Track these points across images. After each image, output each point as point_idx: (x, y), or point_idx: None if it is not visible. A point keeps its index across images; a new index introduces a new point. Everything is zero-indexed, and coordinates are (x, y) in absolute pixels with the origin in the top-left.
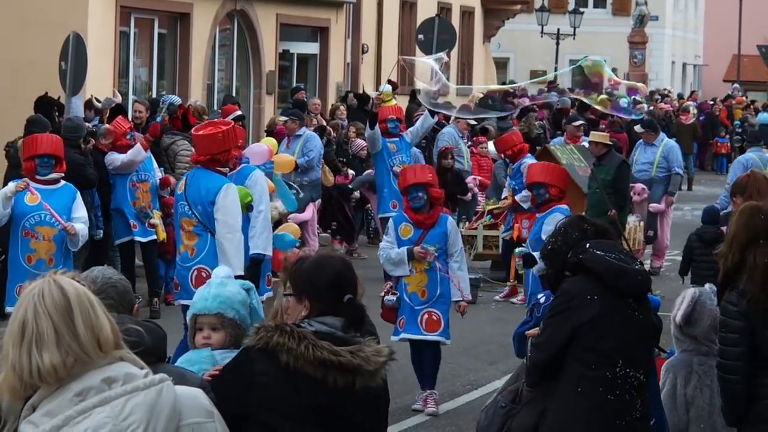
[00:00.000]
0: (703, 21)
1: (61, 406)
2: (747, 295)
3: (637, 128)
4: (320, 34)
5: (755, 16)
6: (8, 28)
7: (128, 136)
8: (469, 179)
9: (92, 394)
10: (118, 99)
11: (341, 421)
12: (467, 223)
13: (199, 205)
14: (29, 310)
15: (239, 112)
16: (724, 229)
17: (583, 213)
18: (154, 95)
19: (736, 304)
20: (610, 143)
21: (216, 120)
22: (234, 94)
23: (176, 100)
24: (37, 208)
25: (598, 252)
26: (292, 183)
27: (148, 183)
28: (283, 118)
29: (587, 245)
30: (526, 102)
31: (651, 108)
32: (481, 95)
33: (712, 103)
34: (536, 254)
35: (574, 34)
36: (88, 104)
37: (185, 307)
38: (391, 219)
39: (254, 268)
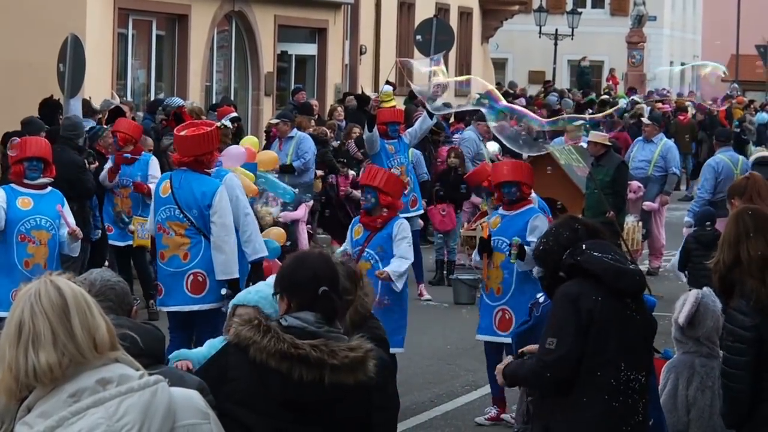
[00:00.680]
0: (701, 21)
1: (56, 407)
2: (753, 296)
3: (645, 120)
4: (318, 35)
5: (753, 16)
6: (6, 30)
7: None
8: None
9: (86, 395)
10: (117, 101)
11: (317, 417)
12: (465, 224)
13: (194, 208)
14: (26, 310)
15: (235, 114)
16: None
17: (581, 213)
18: (152, 97)
19: (747, 314)
20: (609, 144)
21: (197, 121)
22: (232, 96)
23: (178, 102)
24: (32, 212)
25: (595, 253)
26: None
27: (129, 189)
28: (275, 121)
29: (583, 246)
30: (523, 103)
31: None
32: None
33: (710, 103)
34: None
35: (573, 35)
36: (87, 106)
37: (172, 314)
38: (353, 219)
39: (259, 272)
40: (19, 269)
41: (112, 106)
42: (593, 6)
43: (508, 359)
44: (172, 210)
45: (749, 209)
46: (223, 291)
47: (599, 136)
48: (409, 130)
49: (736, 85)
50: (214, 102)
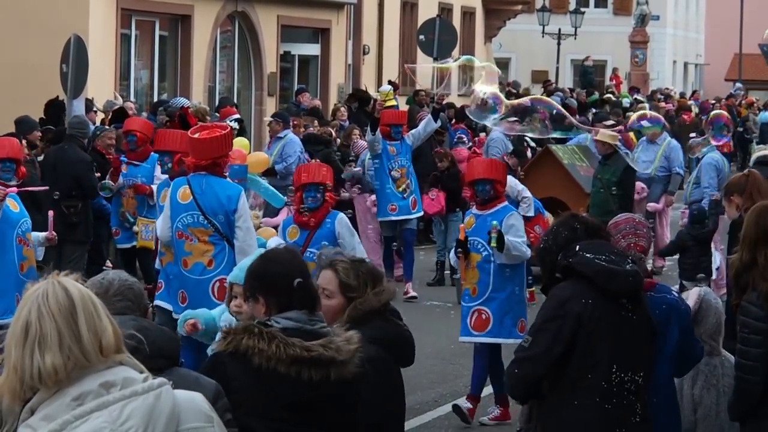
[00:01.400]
0: (704, 20)
1: (59, 411)
2: (763, 294)
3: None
4: (321, 35)
5: (756, 15)
6: (9, 31)
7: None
8: None
9: (90, 399)
10: (120, 101)
11: (321, 415)
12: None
13: (219, 214)
14: (33, 311)
15: (237, 115)
16: None
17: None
18: (155, 97)
19: (760, 306)
20: (618, 143)
21: (207, 124)
22: (235, 96)
23: (183, 102)
24: (24, 214)
25: (588, 254)
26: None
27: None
28: (268, 119)
29: (577, 247)
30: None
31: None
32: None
33: (713, 102)
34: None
35: (576, 34)
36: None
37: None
38: (282, 222)
39: None
40: (16, 273)
41: (116, 107)
42: (596, 5)
43: None
44: (195, 216)
45: None
46: None
47: (608, 136)
48: (413, 131)
49: (740, 85)
50: (217, 102)
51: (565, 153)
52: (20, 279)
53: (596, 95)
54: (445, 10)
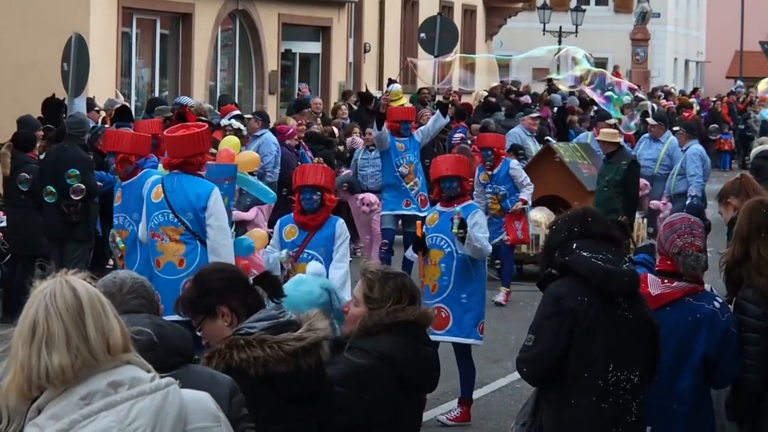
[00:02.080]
0: (705, 18)
1: (67, 410)
2: (759, 292)
3: (650, 120)
4: (322, 33)
5: (757, 13)
6: (10, 29)
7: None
8: None
9: (98, 398)
10: (121, 99)
11: (316, 401)
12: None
13: (189, 211)
14: (40, 310)
15: (237, 112)
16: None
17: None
18: (156, 96)
19: (756, 303)
20: (619, 141)
21: (188, 123)
22: (236, 94)
23: (188, 101)
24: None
25: (585, 253)
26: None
27: None
28: (248, 116)
29: (574, 245)
30: (528, 100)
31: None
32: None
33: (714, 99)
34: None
35: (577, 32)
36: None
37: None
38: (279, 220)
39: None
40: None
41: (117, 105)
42: (597, 3)
43: None
44: (165, 215)
45: (764, 205)
46: None
47: (610, 134)
48: (422, 128)
49: (741, 82)
50: (218, 100)
51: (566, 151)
52: (155, 275)
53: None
54: (446, 8)
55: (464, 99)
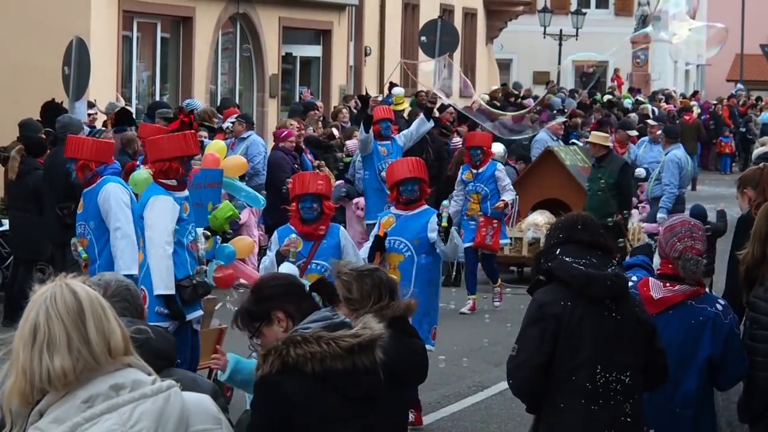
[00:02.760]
0: (705, 21)
1: (69, 413)
2: None
3: (650, 122)
4: (323, 36)
5: (758, 16)
6: (11, 33)
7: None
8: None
9: (100, 401)
10: (122, 103)
11: (372, 401)
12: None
13: (141, 217)
14: (41, 313)
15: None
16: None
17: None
18: (157, 99)
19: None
20: (610, 145)
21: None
22: (237, 98)
23: (197, 104)
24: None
25: (567, 258)
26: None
27: None
28: (232, 120)
29: (557, 251)
30: (532, 104)
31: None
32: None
33: (714, 103)
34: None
35: (577, 35)
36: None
37: None
38: (275, 231)
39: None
40: None
41: (118, 109)
42: (597, 6)
43: None
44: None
45: None
46: (157, 309)
47: (600, 137)
48: (404, 132)
49: (741, 85)
50: (219, 104)
51: (567, 154)
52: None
53: (599, 96)
54: (447, 12)
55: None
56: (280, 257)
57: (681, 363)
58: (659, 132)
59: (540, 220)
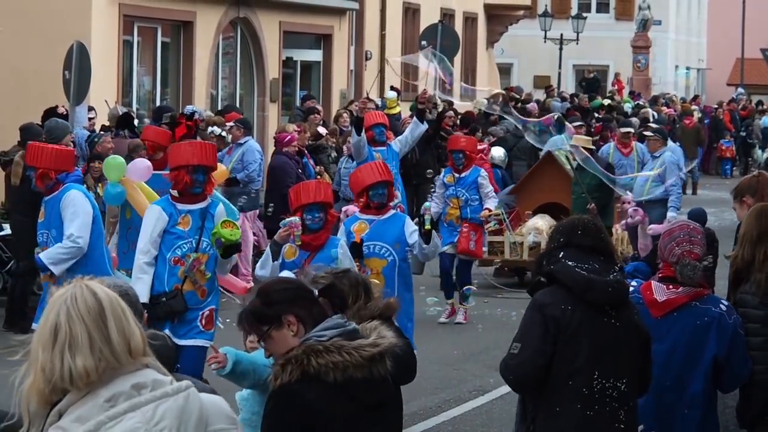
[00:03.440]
0: (706, 25)
1: (92, 412)
2: (756, 282)
3: (647, 133)
4: (323, 41)
5: (758, 20)
6: (12, 38)
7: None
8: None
9: (122, 400)
10: (118, 109)
11: (385, 409)
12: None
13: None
14: (62, 314)
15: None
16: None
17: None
18: (157, 104)
19: (753, 294)
20: (593, 147)
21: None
22: (237, 102)
23: (200, 110)
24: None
25: (570, 262)
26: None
27: None
28: (229, 125)
29: (560, 254)
30: (535, 108)
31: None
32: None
33: (715, 107)
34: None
35: (578, 39)
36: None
37: None
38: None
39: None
40: None
41: (120, 114)
42: (598, 11)
43: None
44: None
45: None
46: None
47: (584, 140)
48: (399, 137)
49: (741, 90)
50: (219, 108)
51: (567, 158)
52: None
53: (599, 100)
54: (447, 16)
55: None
56: (277, 246)
57: (688, 364)
58: (650, 134)
59: (541, 224)
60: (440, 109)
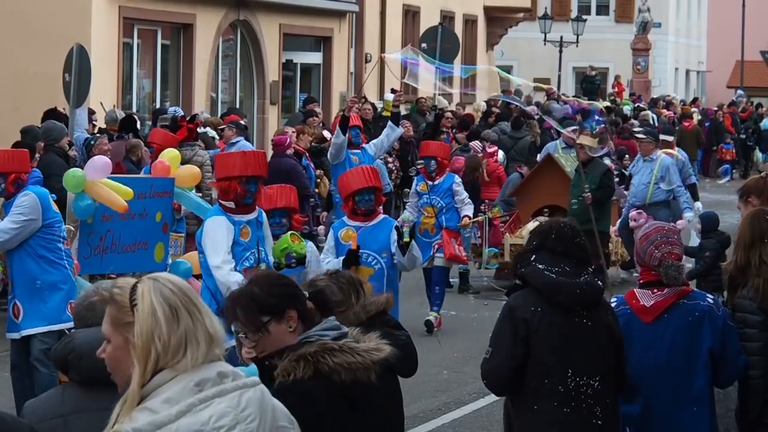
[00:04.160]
0: (706, 27)
1: (182, 395)
2: (755, 287)
3: (640, 135)
4: (323, 43)
5: (758, 22)
6: (12, 40)
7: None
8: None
9: (209, 386)
10: (116, 112)
11: (380, 411)
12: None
13: None
14: (163, 300)
15: (241, 122)
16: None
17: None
18: (157, 106)
19: (751, 299)
20: (597, 147)
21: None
22: (237, 105)
23: (180, 111)
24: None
25: (540, 265)
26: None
27: None
28: (222, 126)
29: (532, 257)
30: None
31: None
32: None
33: (715, 109)
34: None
35: (578, 42)
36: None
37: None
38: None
39: None
40: None
41: (122, 116)
42: (598, 13)
43: None
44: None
45: (766, 212)
46: None
47: (589, 140)
48: (374, 141)
49: (741, 92)
50: (220, 111)
51: (567, 161)
52: None
53: (598, 103)
54: (447, 18)
55: (467, 109)
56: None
57: (688, 362)
58: (642, 137)
59: None
60: (439, 105)
